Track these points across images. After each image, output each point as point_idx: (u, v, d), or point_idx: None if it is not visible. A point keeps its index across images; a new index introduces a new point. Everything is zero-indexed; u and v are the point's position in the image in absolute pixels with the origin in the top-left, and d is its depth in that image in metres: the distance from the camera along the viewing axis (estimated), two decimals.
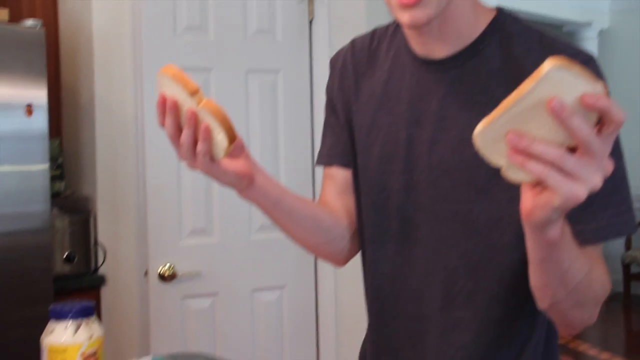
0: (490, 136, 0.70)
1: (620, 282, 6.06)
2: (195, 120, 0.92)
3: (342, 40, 1.31)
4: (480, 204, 1.02)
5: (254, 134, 2.62)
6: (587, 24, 6.29)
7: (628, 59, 6.43)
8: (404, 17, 0.98)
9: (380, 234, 1.14)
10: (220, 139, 0.92)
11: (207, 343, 2.55)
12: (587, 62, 0.99)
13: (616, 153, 0.98)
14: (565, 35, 6.43)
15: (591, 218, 0.96)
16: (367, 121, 1.15)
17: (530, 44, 1.03)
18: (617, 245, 6.17)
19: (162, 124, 0.95)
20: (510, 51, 1.03)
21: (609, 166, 0.68)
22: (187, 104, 0.91)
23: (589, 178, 0.67)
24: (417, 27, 1.00)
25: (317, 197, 1.28)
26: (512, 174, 0.72)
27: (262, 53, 2.63)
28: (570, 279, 0.87)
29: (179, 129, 0.95)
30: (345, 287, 2.68)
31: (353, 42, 1.22)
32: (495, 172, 0.74)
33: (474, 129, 0.71)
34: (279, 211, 1.11)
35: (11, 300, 2.28)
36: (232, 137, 0.92)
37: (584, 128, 0.65)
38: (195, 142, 0.94)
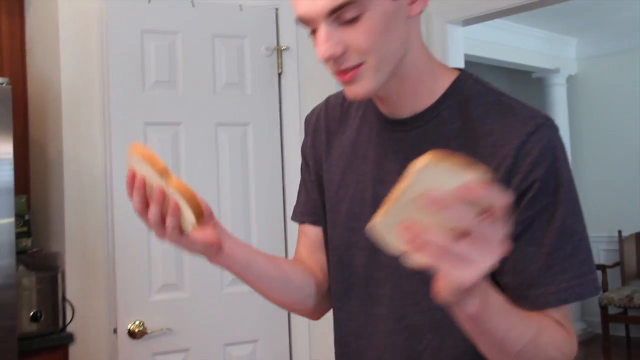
0: (388, 226, 0.72)
1: (599, 324, 6.05)
2: (163, 198, 0.96)
3: (312, 93, 1.33)
4: None
5: (224, 187, 2.60)
6: (556, 71, 6.44)
7: (595, 103, 6.58)
8: (346, 92, 1.02)
9: (346, 291, 1.15)
10: (188, 215, 0.96)
11: None
12: (543, 125, 1.00)
13: (576, 215, 0.99)
14: (535, 81, 6.55)
15: (551, 281, 0.96)
16: (336, 179, 1.17)
17: (489, 106, 1.04)
18: None
19: (131, 198, 0.99)
20: (469, 113, 1.04)
21: (503, 248, 0.69)
22: (156, 181, 0.95)
23: (479, 261, 0.69)
24: (358, 100, 1.03)
25: (290, 249, 1.29)
26: (414, 259, 0.73)
27: (232, 106, 2.63)
28: (510, 346, 0.87)
29: (146, 205, 0.98)
30: (319, 341, 2.64)
31: (327, 100, 1.25)
32: None
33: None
34: (249, 275, 1.13)
35: None
36: (199, 214, 0.97)
37: (463, 217, 0.67)
38: (162, 217, 0.98)
